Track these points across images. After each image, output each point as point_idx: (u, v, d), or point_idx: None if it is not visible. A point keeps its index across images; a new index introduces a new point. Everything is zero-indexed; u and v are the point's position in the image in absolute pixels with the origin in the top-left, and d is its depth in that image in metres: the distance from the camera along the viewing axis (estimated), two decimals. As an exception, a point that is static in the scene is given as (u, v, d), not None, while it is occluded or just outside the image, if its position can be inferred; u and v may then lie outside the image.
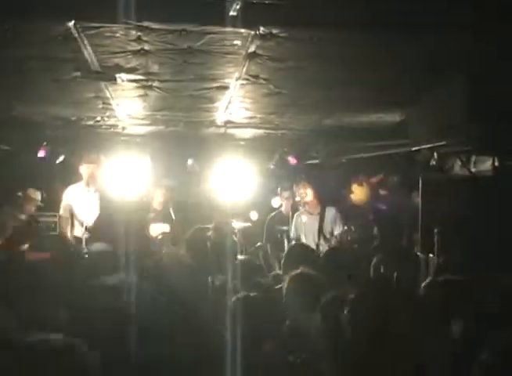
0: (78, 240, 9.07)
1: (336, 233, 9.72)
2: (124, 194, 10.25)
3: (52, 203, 10.19)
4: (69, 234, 9.54)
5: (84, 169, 9.47)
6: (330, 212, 9.88)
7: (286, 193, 10.87)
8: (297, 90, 7.35)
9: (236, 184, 11.45)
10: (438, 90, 7.12)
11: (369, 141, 9.90)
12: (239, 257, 7.48)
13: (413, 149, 8.66)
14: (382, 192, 11.17)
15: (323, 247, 9.43)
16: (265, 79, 6.71)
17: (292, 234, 10.07)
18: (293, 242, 9.73)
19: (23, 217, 10.47)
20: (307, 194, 9.93)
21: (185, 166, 11.55)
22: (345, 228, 9.71)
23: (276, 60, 5.88)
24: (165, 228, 10.48)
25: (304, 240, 9.75)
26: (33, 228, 10.56)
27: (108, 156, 10.35)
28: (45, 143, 10.48)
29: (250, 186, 11.57)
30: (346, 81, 6.84)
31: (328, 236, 9.72)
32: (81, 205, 9.47)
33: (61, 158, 10.77)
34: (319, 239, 9.71)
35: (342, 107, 8.35)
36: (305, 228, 9.88)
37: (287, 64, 6.05)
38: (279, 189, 11.15)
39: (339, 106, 8.23)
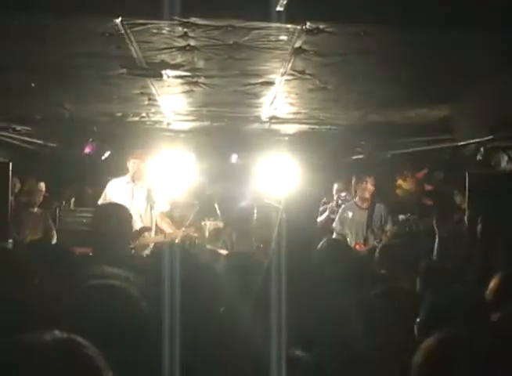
0: None
1: (387, 228, 9.69)
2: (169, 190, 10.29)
3: (98, 198, 10.23)
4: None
5: (130, 164, 9.49)
6: (379, 207, 9.82)
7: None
8: (342, 85, 7.31)
9: (280, 179, 11.45)
10: (484, 85, 7.04)
11: (415, 136, 9.84)
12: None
13: (460, 144, 8.58)
14: (427, 187, 11.09)
15: (371, 242, 9.49)
16: (310, 74, 6.69)
17: (336, 228, 9.99)
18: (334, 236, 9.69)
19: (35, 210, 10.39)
20: (370, 190, 9.82)
21: (229, 161, 11.55)
22: (400, 220, 9.76)
23: (322, 55, 5.86)
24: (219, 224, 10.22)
25: (349, 233, 9.71)
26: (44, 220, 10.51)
27: (153, 151, 10.38)
28: (90, 139, 10.58)
29: (295, 181, 11.55)
30: (391, 76, 6.80)
31: (376, 230, 9.69)
32: (125, 200, 9.41)
33: (107, 154, 10.86)
34: (366, 233, 9.68)
35: (387, 103, 8.28)
36: (352, 222, 9.81)
37: (333, 59, 6.02)
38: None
39: (384, 101, 8.17)
